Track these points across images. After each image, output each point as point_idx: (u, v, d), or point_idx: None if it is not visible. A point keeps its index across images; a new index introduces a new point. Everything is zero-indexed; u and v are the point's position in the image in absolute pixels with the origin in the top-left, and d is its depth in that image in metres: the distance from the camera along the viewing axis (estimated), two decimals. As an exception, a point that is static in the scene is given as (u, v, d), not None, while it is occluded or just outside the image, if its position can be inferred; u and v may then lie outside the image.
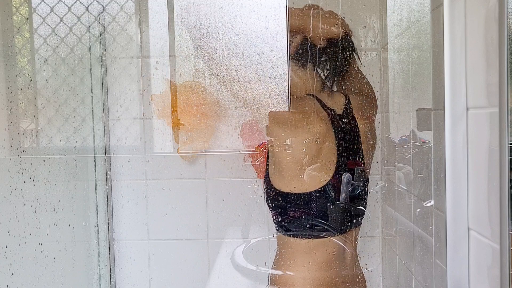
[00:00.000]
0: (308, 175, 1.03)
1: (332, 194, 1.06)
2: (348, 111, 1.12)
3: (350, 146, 1.09)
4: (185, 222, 1.56)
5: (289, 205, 1.07)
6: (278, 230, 1.11)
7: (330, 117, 1.08)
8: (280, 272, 1.10)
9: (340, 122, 1.09)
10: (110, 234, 1.57)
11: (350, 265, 1.11)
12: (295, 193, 1.06)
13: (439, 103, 0.93)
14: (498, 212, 0.74)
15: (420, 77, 1.16)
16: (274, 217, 1.11)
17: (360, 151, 1.12)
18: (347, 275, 1.10)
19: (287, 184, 1.07)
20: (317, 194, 1.06)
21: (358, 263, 1.15)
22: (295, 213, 1.07)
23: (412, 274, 1.23)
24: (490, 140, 0.78)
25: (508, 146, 0.73)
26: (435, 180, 1.00)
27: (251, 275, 1.39)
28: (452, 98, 0.88)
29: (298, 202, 1.07)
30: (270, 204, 1.10)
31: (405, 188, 1.26)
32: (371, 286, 1.36)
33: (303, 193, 1.06)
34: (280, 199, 1.08)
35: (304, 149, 1.05)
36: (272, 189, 1.09)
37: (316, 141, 1.06)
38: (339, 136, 1.08)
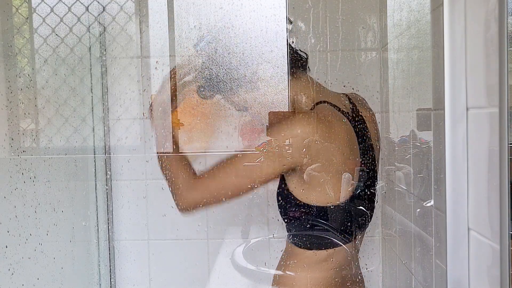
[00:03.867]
0: (308, 175, 1.03)
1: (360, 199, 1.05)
2: (355, 110, 1.09)
3: (368, 148, 1.06)
4: (185, 222, 1.56)
5: (320, 219, 1.03)
6: (298, 245, 1.07)
7: (348, 119, 1.05)
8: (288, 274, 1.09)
9: (355, 123, 1.06)
10: (110, 234, 1.56)
11: (352, 265, 1.11)
12: (327, 205, 1.02)
13: (439, 103, 0.93)
14: (498, 212, 0.74)
15: (420, 77, 1.16)
16: (294, 231, 1.07)
17: (374, 152, 1.10)
18: (347, 275, 1.10)
19: (320, 196, 1.02)
20: (348, 202, 1.03)
21: (358, 262, 1.15)
22: (325, 226, 1.03)
23: (412, 274, 1.23)
24: (490, 140, 0.78)
25: (508, 146, 0.73)
26: (435, 180, 1.00)
27: (251, 275, 1.38)
28: (452, 98, 0.88)
29: (330, 213, 1.02)
30: (292, 220, 1.05)
31: (405, 188, 1.26)
32: (371, 286, 1.36)
33: (337, 204, 1.02)
34: (308, 212, 1.02)
35: (333, 157, 1.00)
36: (298, 204, 1.03)
37: (344, 146, 1.01)
38: (359, 139, 1.04)
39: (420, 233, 1.14)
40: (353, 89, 1.32)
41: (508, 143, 0.73)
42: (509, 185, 0.73)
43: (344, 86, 1.45)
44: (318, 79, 1.14)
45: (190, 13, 1.13)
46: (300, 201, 1.03)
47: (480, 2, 0.80)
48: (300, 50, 1.10)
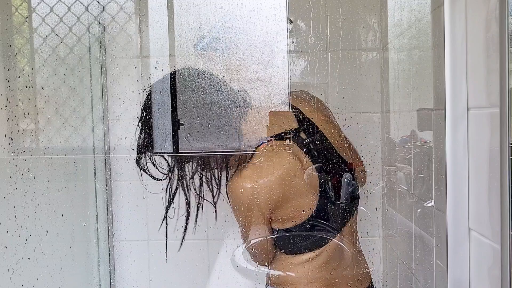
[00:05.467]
0: (308, 176, 1.03)
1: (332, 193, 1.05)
2: (303, 118, 1.05)
3: (325, 153, 1.04)
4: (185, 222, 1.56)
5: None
6: (287, 252, 1.08)
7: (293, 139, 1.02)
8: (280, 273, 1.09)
9: (303, 136, 1.03)
10: (109, 234, 1.56)
11: (351, 265, 1.10)
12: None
13: (440, 103, 0.92)
14: (499, 212, 0.74)
15: (420, 77, 1.16)
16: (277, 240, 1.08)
17: (335, 151, 1.07)
18: (347, 275, 1.09)
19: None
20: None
21: (361, 262, 1.14)
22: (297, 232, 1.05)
23: (413, 275, 1.23)
24: (491, 140, 0.78)
25: (509, 146, 0.73)
26: (436, 180, 1.00)
27: (251, 276, 1.38)
28: (452, 98, 0.88)
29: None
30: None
31: (405, 188, 1.26)
32: (371, 286, 1.35)
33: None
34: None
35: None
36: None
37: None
38: (311, 151, 1.03)
39: (421, 234, 1.14)
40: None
41: (509, 143, 0.73)
42: (510, 185, 0.73)
43: (344, 88, 1.44)
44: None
45: (190, 13, 1.13)
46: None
47: (481, 2, 0.80)
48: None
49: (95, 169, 1.54)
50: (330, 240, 1.05)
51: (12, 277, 1.18)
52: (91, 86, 1.50)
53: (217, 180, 1.07)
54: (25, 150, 1.36)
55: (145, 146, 1.05)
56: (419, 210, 1.16)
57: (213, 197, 1.08)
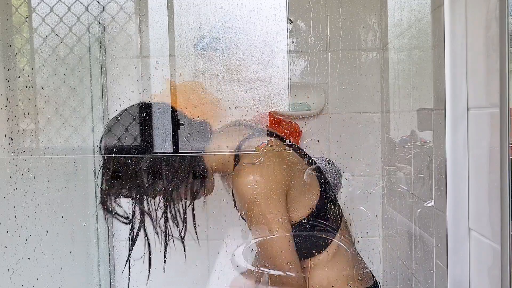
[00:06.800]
0: (308, 175, 1.03)
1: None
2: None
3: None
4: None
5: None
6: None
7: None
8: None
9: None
10: (109, 234, 1.56)
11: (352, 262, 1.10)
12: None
13: (440, 103, 0.92)
14: (499, 212, 0.74)
15: (420, 77, 1.16)
16: None
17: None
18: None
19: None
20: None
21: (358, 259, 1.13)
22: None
23: (413, 275, 1.23)
24: (491, 140, 0.78)
25: (509, 146, 0.73)
26: (436, 181, 1.00)
27: (251, 276, 1.38)
28: (452, 98, 0.88)
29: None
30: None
31: (405, 188, 1.26)
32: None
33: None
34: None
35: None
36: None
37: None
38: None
39: (421, 234, 1.14)
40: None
41: (508, 143, 0.73)
42: (510, 185, 0.73)
43: (344, 88, 1.44)
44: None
45: (190, 13, 1.13)
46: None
47: (481, 2, 0.80)
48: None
49: (95, 169, 1.54)
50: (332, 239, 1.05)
51: (12, 277, 1.18)
52: (91, 86, 1.50)
53: (182, 216, 1.06)
54: (25, 150, 1.36)
55: (110, 189, 1.05)
56: (419, 210, 1.16)
57: (180, 232, 1.07)
